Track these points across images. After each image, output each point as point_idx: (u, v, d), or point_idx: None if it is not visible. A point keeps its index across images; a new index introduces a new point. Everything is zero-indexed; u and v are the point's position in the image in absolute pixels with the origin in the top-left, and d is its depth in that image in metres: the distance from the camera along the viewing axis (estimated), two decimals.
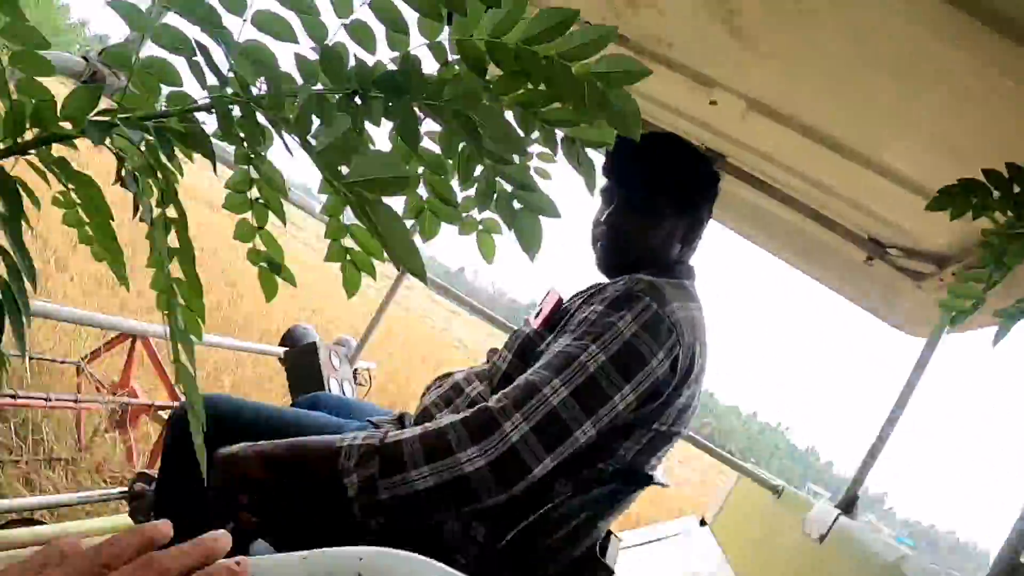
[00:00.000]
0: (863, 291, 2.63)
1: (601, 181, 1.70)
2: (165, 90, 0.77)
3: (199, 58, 0.70)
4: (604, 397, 1.30)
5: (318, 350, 2.38)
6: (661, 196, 1.64)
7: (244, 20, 0.70)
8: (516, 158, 0.94)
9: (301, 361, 2.43)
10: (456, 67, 0.85)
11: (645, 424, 1.42)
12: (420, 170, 1.11)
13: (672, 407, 1.43)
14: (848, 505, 2.39)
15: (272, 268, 1.06)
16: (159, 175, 0.76)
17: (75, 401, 3.19)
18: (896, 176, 1.93)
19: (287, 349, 2.60)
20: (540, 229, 1.14)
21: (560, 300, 1.62)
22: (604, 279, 1.70)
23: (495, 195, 1.12)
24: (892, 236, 2.28)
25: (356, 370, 3.24)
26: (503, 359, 1.58)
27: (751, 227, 2.72)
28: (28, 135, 0.71)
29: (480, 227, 1.27)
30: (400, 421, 1.69)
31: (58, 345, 4.27)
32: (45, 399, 2.93)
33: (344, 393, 2.40)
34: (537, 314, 1.62)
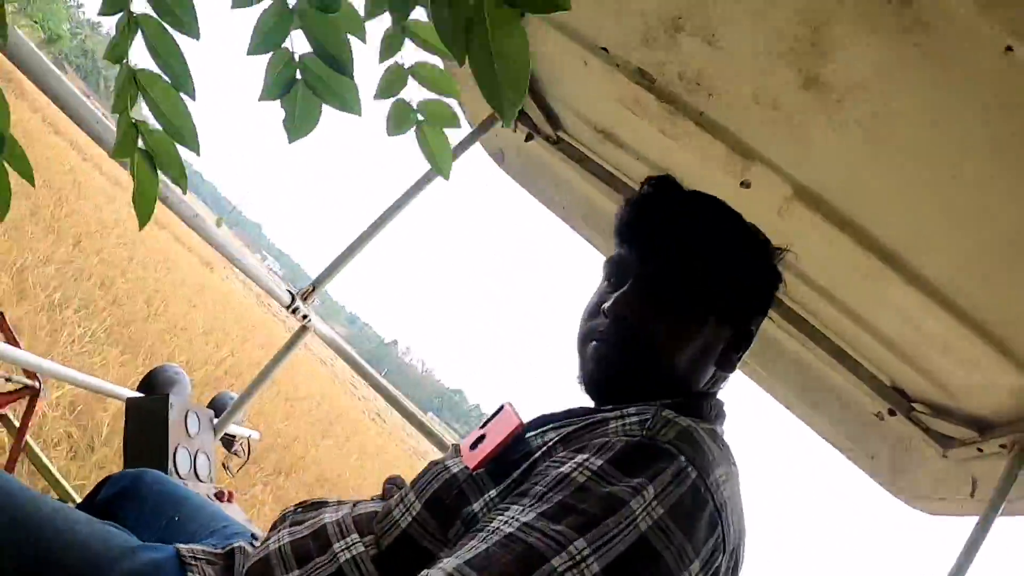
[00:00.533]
0: (866, 448, 2.18)
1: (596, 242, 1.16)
2: None
3: None
4: None
5: (168, 407, 1.80)
6: (706, 290, 1.05)
7: None
8: None
9: (143, 418, 1.80)
10: None
11: None
12: None
13: None
14: None
15: None
16: None
17: None
18: (955, 310, 1.52)
19: (132, 395, 2.01)
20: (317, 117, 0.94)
21: (520, 427, 0.98)
22: (580, 399, 1.12)
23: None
24: (924, 389, 1.87)
25: (234, 438, 2.65)
26: (405, 507, 0.97)
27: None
28: None
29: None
30: (229, 559, 1.09)
31: None
32: None
33: (196, 469, 1.81)
34: (476, 442, 0.99)
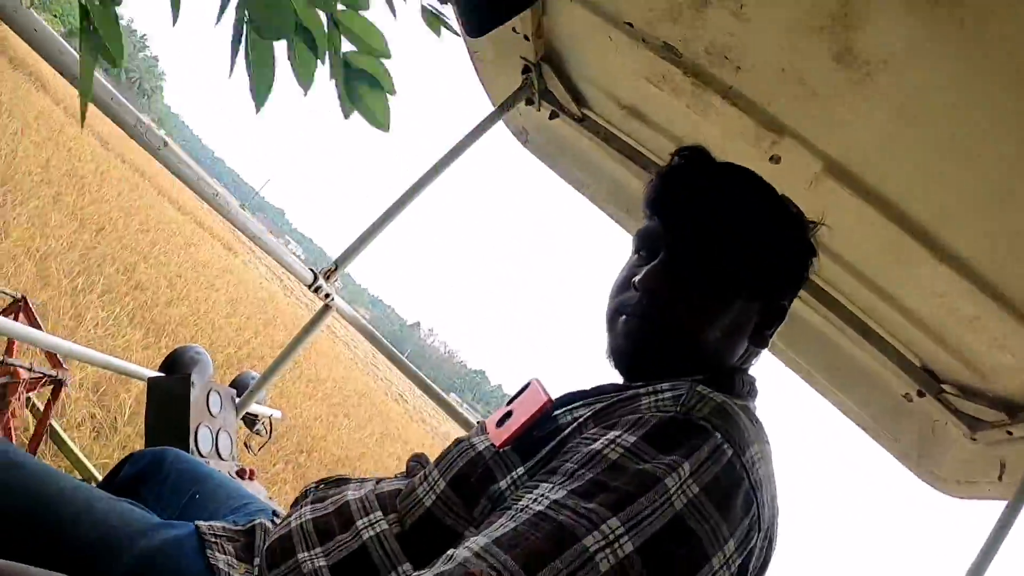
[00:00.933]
0: (893, 430, 2.14)
1: (626, 216, 1.13)
2: None
3: None
4: None
5: (190, 387, 1.81)
6: (737, 263, 1.02)
7: None
8: None
9: (164, 397, 1.81)
10: None
11: None
12: None
13: None
14: None
15: None
16: None
17: None
18: (987, 289, 1.49)
19: (153, 375, 2.01)
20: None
21: (548, 404, 0.96)
22: (609, 376, 1.09)
23: None
24: (954, 370, 1.83)
25: (256, 417, 2.65)
26: (428, 485, 0.95)
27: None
28: None
29: None
30: (250, 536, 1.09)
31: None
32: None
33: (218, 448, 1.81)
34: (503, 419, 0.97)
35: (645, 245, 1.07)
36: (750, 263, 1.02)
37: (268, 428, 2.75)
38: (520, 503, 0.77)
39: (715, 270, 1.01)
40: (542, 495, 0.76)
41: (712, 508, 0.74)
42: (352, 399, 15.74)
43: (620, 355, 1.05)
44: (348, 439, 11.22)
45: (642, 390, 0.92)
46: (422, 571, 0.73)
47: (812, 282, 1.91)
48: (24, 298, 3.01)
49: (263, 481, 2.36)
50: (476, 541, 0.73)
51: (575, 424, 0.90)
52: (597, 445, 0.80)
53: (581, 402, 0.96)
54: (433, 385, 2.52)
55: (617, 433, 0.81)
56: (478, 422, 1.06)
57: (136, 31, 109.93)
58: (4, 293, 3.07)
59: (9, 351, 2.98)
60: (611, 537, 0.69)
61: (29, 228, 6.16)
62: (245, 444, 2.93)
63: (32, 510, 0.94)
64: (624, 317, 1.04)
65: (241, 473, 1.83)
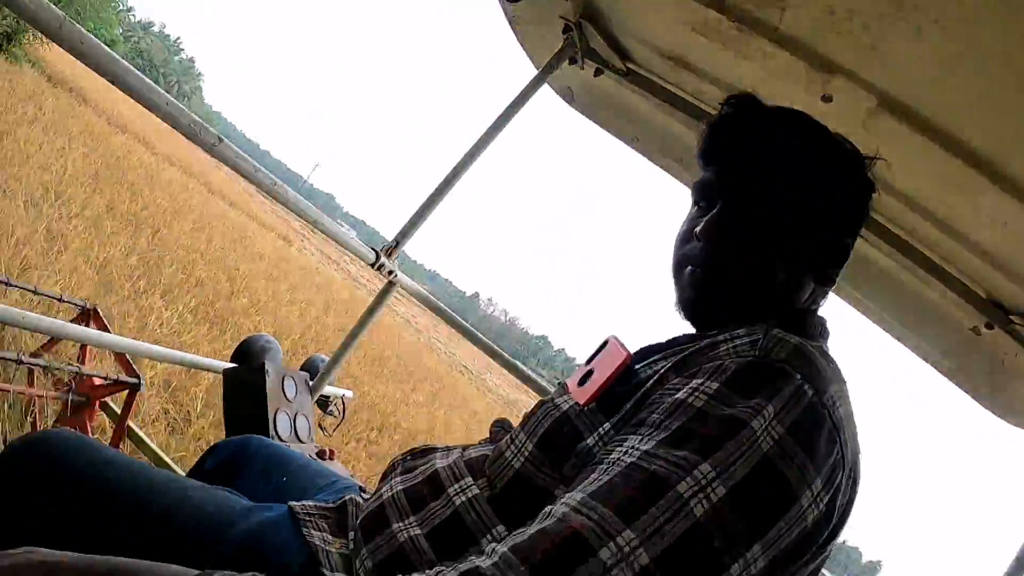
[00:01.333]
0: (965, 365, 2.10)
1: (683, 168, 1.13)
2: None
3: None
4: (713, 567, 0.69)
5: (266, 375, 1.86)
6: (793, 209, 1.02)
7: None
8: None
9: (241, 387, 1.87)
10: None
11: None
12: None
13: (808, 569, 0.80)
14: None
15: None
16: None
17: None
18: None
19: (228, 367, 2.08)
20: None
21: (629, 359, 0.96)
22: (682, 327, 1.10)
23: None
24: (1021, 300, 1.79)
25: (328, 399, 2.72)
26: (516, 448, 0.96)
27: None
28: None
29: None
30: (341, 512, 1.12)
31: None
32: None
33: (297, 431, 1.85)
34: (584, 378, 0.98)
35: (703, 196, 1.08)
36: (806, 204, 1.02)
37: (341, 408, 2.82)
38: (611, 456, 0.79)
39: (771, 214, 1.01)
40: (632, 447, 0.78)
41: (798, 448, 0.75)
42: (418, 374, 16.01)
43: (688, 305, 1.07)
44: (417, 413, 11.40)
45: (719, 337, 0.94)
46: (524, 528, 0.75)
47: (874, 220, 1.88)
48: (95, 308, 3.09)
49: (340, 460, 2.42)
50: (572, 496, 0.75)
51: (656, 377, 0.91)
52: (681, 394, 0.82)
53: (659, 355, 0.98)
54: (502, 351, 2.56)
55: (700, 381, 0.82)
56: (559, 383, 1.09)
57: (169, 36, 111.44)
58: (72, 303, 3.13)
59: (82, 359, 3.08)
60: (703, 482, 0.71)
61: (87, 237, 6.34)
62: (319, 425, 3.00)
63: (129, 504, 0.98)
64: (689, 268, 1.05)
65: (321, 454, 1.88)
